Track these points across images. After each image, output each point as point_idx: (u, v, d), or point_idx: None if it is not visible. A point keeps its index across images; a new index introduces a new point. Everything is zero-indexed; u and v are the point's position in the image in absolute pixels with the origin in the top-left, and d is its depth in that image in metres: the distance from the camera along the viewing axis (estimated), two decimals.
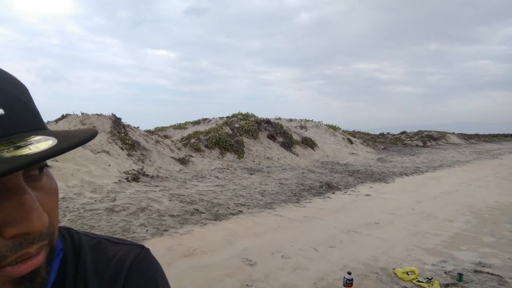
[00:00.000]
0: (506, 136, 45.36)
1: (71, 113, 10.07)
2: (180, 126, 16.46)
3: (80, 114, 9.94)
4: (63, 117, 9.94)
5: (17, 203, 0.41)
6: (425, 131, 31.13)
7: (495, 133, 50.74)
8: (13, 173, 0.36)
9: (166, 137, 12.27)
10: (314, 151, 14.88)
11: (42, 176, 0.47)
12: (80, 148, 8.09)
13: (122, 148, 8.91)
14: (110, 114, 10.14)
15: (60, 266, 0.54)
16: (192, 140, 11.74)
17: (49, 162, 0.47)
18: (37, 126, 0.45)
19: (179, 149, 10.93)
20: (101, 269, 0.56)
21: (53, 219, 0.47)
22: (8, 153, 0.37)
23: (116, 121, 9.92)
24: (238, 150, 12.03)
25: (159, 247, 3.98)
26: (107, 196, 5.93)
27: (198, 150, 11.29)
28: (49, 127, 8.97)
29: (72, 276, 0.54)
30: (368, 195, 7.46)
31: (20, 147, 0.38)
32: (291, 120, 19.64)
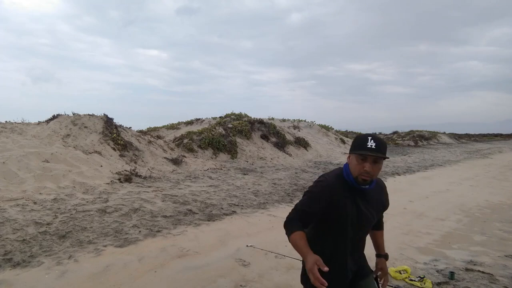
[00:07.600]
0: (496, 135, 46.06)
1: (62, 113, 9.95)
2: (172, 126, 16.37)
3: (72, 115, 9.83)
4: (54, 117, 9.82)
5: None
6: (417, 131, 31.47)
7: (485, 133, 51.51)
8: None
9: (158, 137, 12.20)
10: (307, 151, 14.92)
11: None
12: (71, 148, 8.00)
13: (114, 149, 8.84)
14: (102, 115, 10.05)
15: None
16: (185, 141, 11.69)
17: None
18: None
19: (172, 149, 10.87)
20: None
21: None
22: None
23: (108, 121, 9.83)
24: (231, 150, 12.01)
25: (152, 248, 3.96)
26: (99, 197, 5.87)
27: (191, 150, 11.24)
28: (40, 127, 8.71)
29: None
30: None
31: None
32: (284, 120, 19.66)
